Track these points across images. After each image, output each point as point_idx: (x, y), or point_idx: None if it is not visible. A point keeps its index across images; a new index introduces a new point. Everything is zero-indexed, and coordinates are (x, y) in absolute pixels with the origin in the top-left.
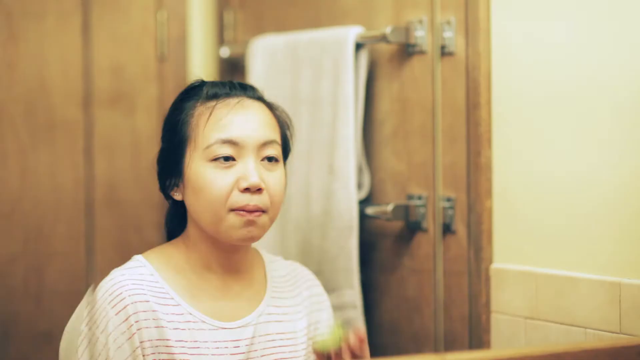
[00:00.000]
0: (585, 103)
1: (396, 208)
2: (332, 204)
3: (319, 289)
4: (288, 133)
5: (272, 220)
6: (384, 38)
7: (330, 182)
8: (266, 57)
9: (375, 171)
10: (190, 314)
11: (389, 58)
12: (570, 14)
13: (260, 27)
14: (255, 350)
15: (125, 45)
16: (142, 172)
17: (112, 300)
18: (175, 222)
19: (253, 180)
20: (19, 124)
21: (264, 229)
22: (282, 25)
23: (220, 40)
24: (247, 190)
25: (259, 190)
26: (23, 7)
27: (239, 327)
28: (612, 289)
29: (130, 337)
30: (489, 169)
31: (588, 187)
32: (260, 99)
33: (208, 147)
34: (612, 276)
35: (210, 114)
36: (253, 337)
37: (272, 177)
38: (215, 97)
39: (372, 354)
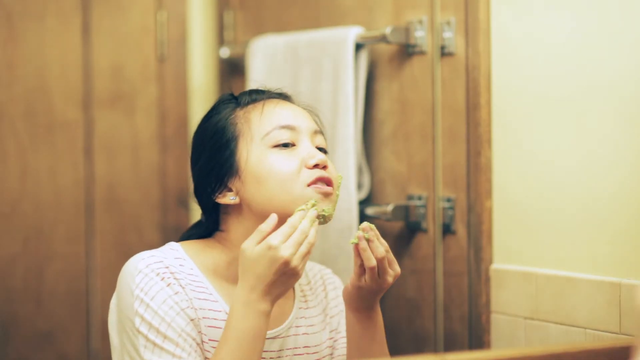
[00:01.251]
0: (586, 103)
1: (396, 208)
2: None
3: (338, 290)
4: (324, 131)
5: (335, 203)
6: (383, 38)
7: None
8: (266, 58)
9: (375, 171)
10: (227, 313)
11: (389, 58)
12: (570, 14)
13: (260, 28)
14: None
15: (125, 45)
16: (141, 173)
17: (160, 272)
18: (202, 228)
19: (320, 157)
20: (19, 124)
21: (333, 210)
22: (281, 25)
23: (220, 41)
24: (316, 166)
25: (325, 167)
26: (23, 8)
27: (268, 337)
28: (612, 290)
29: (185, 308)
30: (489, 169)
31: (588, 187)
32: (291, 101)
33: (267, 134)
34: (612, 277)
35: (262, 107)
36: (280, 350)
37: (331, 164)
38: (254, 101)
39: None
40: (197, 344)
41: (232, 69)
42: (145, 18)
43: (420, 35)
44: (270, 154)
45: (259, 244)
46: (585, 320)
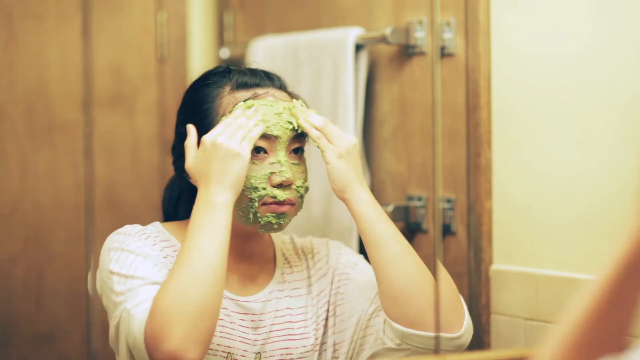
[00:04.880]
0: (586, 103)
1: (396, 209)
2: (332, 205)
3: (323, 248)
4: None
5: (297, 211)
6: (383, 39)
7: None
8: (266, 58)
9: (375, 172)
10: None
11: (389, 59)
12: (571, 15)
13: (260, 28)
14: (264, 327)
15: (125, 46)
16: (142, 173)
17: (137, 233)
18: (178, 203)
19: (287, 175)
20: (19, 125)
21: (290, 219)
22: (282, 26)
23: (220, 41)
24: (279, 185)
25: (289, 185)
26: (23, 8)
27: (249, 302)
28: None
29: (161, 255)
30: (489, 169)
31: (588, 188)
32: (284, 88)
33: None
34: None
35: (247, 104)
36: (262, 314)
37: (300, 171)
38: (245, 86)
39: None
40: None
41: None
42: (145, 18)
43: (420, 36)
44: None
45: (195, 152)
46: None
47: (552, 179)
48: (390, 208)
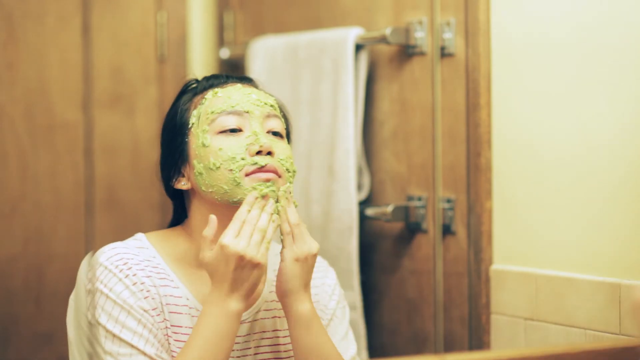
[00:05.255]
0: (586, 103)
1: (396, 209)
2: (332, 205)
3: (319, 279)
4: (287, 117)
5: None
6: (383, 39)
7: (330, 184)
8: (266, 58)
9: (375, 172)
10: (188, 299)
11: (389, 59)
12: (570, 14)
13: (260, 28)
14: (249, 348)
15: (125, 46)
16: (141, 173)
17: (118, 265)
18: (177, 217)
19: (264, 141)
20: (19, 124)
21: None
22: (281, 26)
23: (220, 42)
24: (259, 153)
25: (269, 153)
26: (23, 9)
27: None
28: (612, 290)
29: (143, 298)
30: (489, 170)
31: (588, 188)
32: (256, 87)
33: (213, 120)
34: (612, 277)
35: (214, 92)
36: (248, 335)
37: (280, 146)
38: (211, 86)
39: (373, 355)
40: (158, 330)
41: (232, 70)
42: (145, 18)
43: (420, 36)
44: (215, 140)
45: (212, 249)
46: (585, 320)
47: (552, 179)
48: (390, 208)
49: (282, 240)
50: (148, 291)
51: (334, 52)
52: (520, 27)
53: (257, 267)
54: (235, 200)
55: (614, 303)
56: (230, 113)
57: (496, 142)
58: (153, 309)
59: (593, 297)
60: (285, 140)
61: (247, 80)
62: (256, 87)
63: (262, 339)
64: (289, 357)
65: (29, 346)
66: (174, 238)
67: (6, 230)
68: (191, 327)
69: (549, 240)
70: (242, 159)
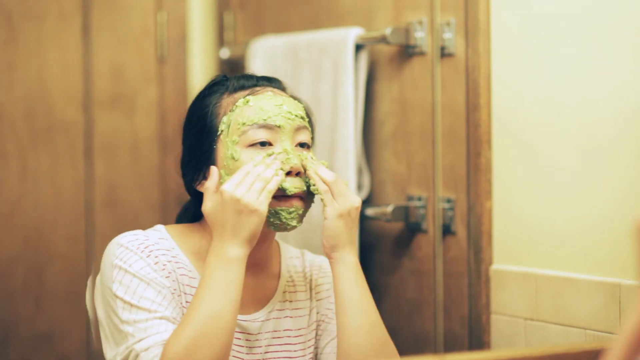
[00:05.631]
0: (585, 103)
1: (396, 209)
2: None
3: (328, 278)
4: (312, 121)
5: (307, 206)
6: (383, 39)
7: None
8: (266, 58)
9: (375, 172)
10: None
11: (389, 59)
12: (570, 14)
13: (260, 29)
14: (260, 347)
15: (125, 46)
16: (141, 173)
17: (140, 247)
18: (190, 215)
19: (294, 162)
20: (19, 125)
21: (301, 218)
22: (281, 26)
23: (220, 42)
24: (288, 174)
25: (298, 174)
26: (23, 9)
27: (247, 321)
28: (612, 290)
29: (164, 276)
30: (489, 170)
31: (588, 188)
32: (284, 90)
33: (244, 132)
34: (612, 277)
35: (246, 99)
36: (259, 333)
37: (310, 161)
38: (242, 88)
39: None
40: (177, 305)
41: (232, 70)
42: (145, 18)
43: (420, 36)
44: (244, 154)
45: (213, 200)
46: (585, 320)
47: (552, 179)
48: (390, 208)
49: (321, 200)
50: (170, 272)
51: (334, 52)
52: (520, 27)
53: (254, 213)
54: None
55: (614, 303)
56: (261, 127)
57: (496, 142)
58: (174, 289)
59: (593, 297)
60: (311, 150)
61: (276, 83)
62: (285, 91)
63: (274, 337)
64: (299, 357)
65: (29, 346)
66: (193, 233)
67: (6, 230)
68: None
69: (549, 240)
70: None
